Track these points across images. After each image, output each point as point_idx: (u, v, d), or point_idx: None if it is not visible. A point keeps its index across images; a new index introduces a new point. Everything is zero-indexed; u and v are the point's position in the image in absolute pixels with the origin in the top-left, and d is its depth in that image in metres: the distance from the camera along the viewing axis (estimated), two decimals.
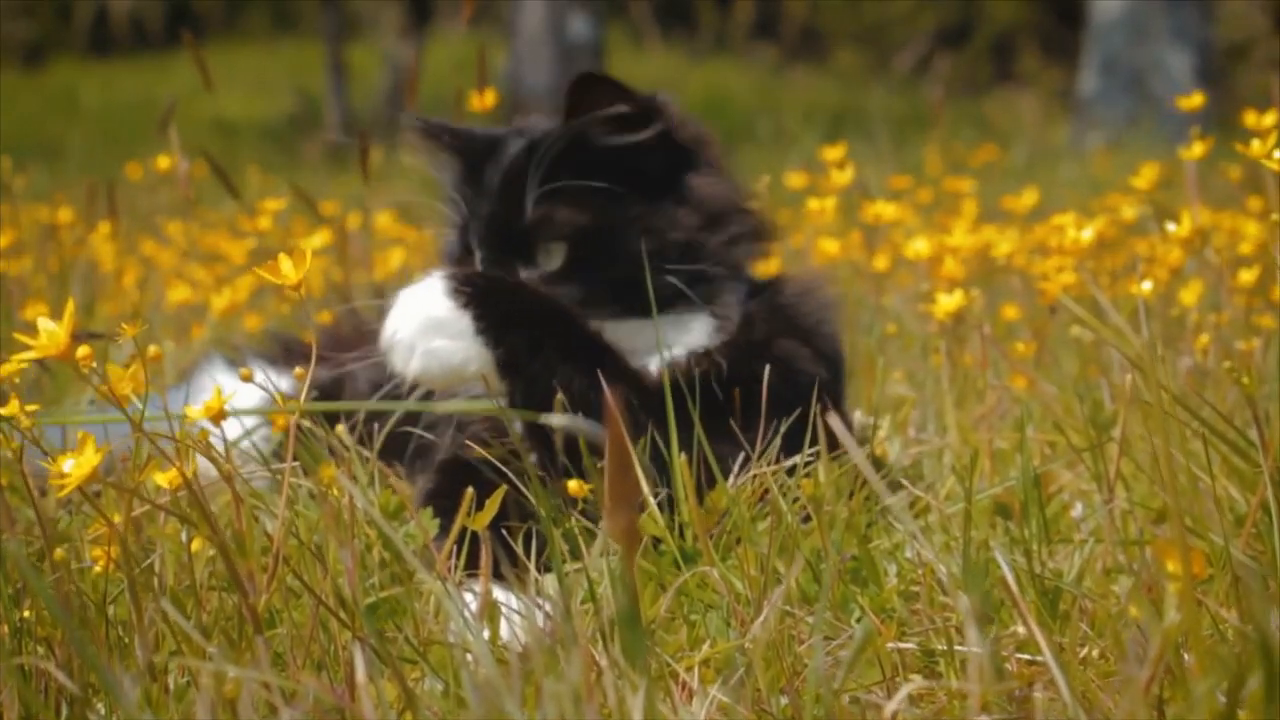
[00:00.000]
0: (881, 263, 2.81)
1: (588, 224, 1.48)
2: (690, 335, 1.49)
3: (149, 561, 1.28)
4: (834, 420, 1.03)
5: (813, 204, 2.24)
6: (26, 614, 1.20)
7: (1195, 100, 2.24)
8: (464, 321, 1.40)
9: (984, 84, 11.95)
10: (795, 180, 3.22)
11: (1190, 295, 2.04)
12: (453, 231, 1.57)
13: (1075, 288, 2.09)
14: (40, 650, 1.19)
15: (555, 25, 9.18)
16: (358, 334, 2.13)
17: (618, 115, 1.50)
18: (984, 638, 1.23)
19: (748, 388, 1.44)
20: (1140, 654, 0.90)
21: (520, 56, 9.17)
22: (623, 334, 1.47)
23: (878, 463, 1.51)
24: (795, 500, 1.35)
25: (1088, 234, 1.93)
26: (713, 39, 13.02)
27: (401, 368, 1.41)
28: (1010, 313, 2.42)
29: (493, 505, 1.21)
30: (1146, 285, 1.76)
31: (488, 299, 1.41)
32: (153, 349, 1.18)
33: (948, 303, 1.87)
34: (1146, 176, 2.10)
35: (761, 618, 1.19)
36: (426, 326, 1.40)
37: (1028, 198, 3.36)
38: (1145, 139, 7.53)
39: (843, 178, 2.29)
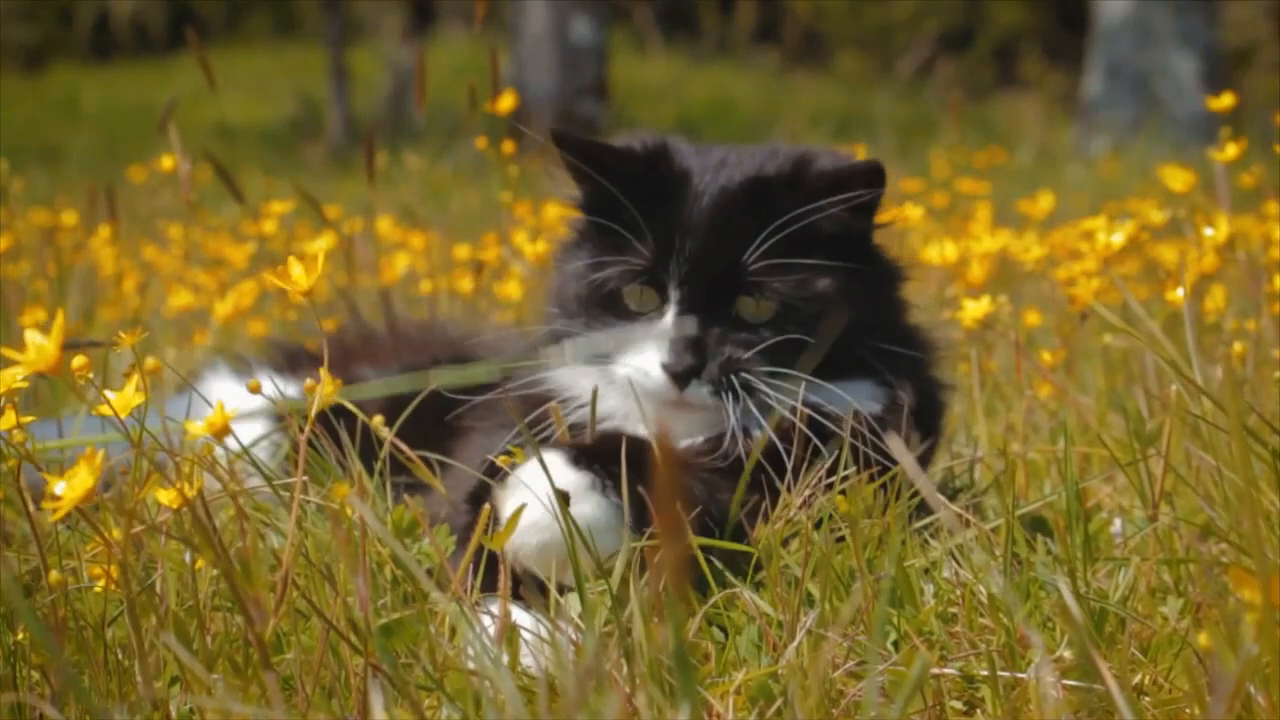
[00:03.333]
0: None
1: (806, 291, 1.46)
2: (857, 402, 1.46)
3: (150, 581, 1.21)
4: (892, 440, 0.96)
5: None
6: (20, 638, 1.14)
7: (1225, 101, 2.18)
8: (620, 518, 1.28)
9: (987, 88, 11.91)
10: None
11: (1215, 300, 1.97)
12: (618, 260, 1.49)
13: (1102, 293, 2.03)
14: (35, 676, 1.13)
15: (558, 29, 9.14)
16: (364, 341, 2.07)
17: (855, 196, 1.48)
18: (1030, 664, 1.17)
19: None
20: (1217, 688, 0.84)
21: (523, 60, 9.12)
22: (795, 400, 1.44)
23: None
24: (830, 517, 1.29)
25: (1119, 238, 1.86)
26: (715, 43, 12.97)
27: (549, 555, 1.26)
28: (1032, 319, 2.36)
29: (511, 526, 1.15)
30: (1180, 291, 1.69)
31: (632, 484, 1.30)
32: (151, 361, 1.12)
33: (975, 309, 1.81)
34: (1182, 179, 2.04)
35: (795, 642, 1.13)
36: (596, 536, 1.25)
37: (1043, 201, 3.30)
38: (1151, 143, 7.48)
39: None
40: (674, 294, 1.46)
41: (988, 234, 2.51)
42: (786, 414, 1.42)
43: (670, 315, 1.46)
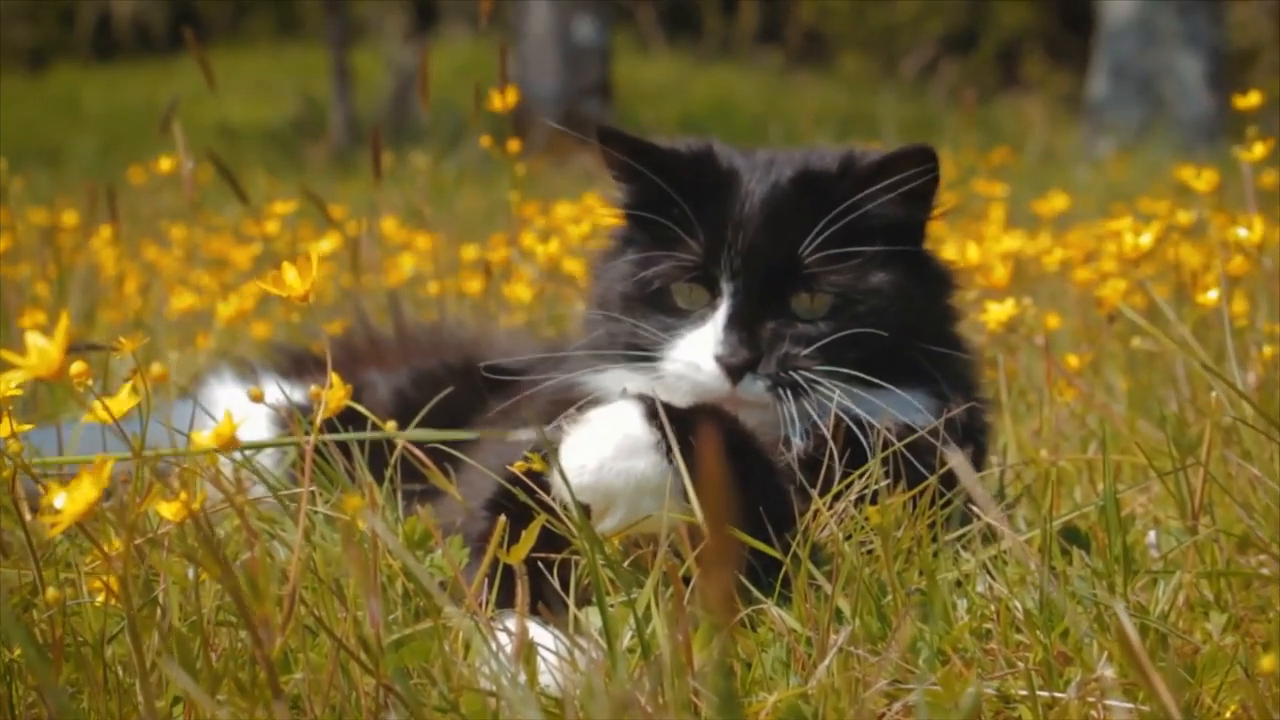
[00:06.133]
0: None
1: (863, 284, 1.41)
2: (906, 413, 1.40)
3: (153, 595, 1.17)
4: (953, 454, 0.92)
5: None
6: (17, 655, 1.10)
7: (1251, 100, 2.13)
8: (677, 481, 1.21)
9: (990, 89, 11.86)
10: None
11: (1238, 304, 1.93)
12: (667, 256, 1.44)
13: (1127, 295, 1.98)
14: (32, 697, 1.08)
15: (561, 29, 9.09)
16: (371, 344, 2.02)
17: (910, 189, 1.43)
18: (1070, 682, 1.12)
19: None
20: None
21: (526, 60, 9.08)
22: (851, 399, 1.38)
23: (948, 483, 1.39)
24: (861, 528, 1.24)
25: (1147, 239, 1.82)
26: (718, 44, 12.94)
27: (585, 498, 1.21)
28: (1053, 321, 2.31)
29: (529, 537, 1.10)
30: (1214, 294, 1.65)
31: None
32: (157, 367, 1.07)
33: (999, 312, 1.76)
34: (1206, 180, 1.99)
35: (826, 661, 1.08)
36: (639, 485, 1.20)
37: (1057, 202, 3.26)
38: (1157, 144, 7.43)
39: None
40: (726, 287, 1.41)
41: (1002, 235, 2.46)
42: (842, 419, 1.36)
43: (723, 308, 1.41)
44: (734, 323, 1.39)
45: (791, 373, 1.38)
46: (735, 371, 1.38)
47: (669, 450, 1.20)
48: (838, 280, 1.40)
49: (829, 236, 1.40)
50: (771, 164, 1.47)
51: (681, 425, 1.22)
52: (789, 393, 1.38)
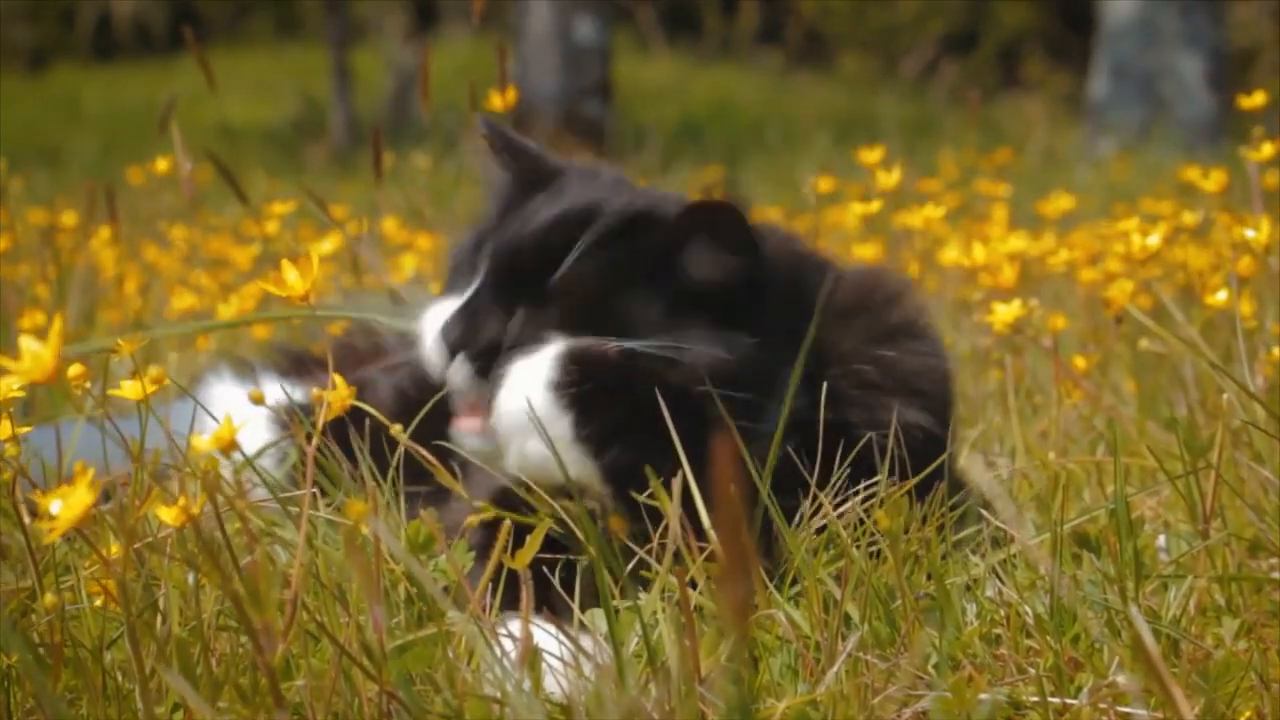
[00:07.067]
0: (913, 270, 2.70)
1: (606, 315, 1.25)
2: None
3: (153, 600, 1.15)
4: (969, 458, 0.90)
5: (857, 208, 2.12)
6: (15, 661, 1.08)
7: (1256, 99, 2.12)
8: (562, 424, 1.23)
9: (990, 89, 11.85)
10: (823, 184, 3.09)
11: (1244, 305, 1.91)
12: (471, 235, 1.41)
13: (1133, 296, 1.97)
14: (30, 704, 1.07)
15: (561, 29, 9.08)
16: (372, 345, 2.01)
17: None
18: (1081, 688, 1.11)
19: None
20: None
21: (526, 61, 9.06)
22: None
23: (956, 485, 1.37)
24: (866, 531, 1.23)
25: (1154, 240, 1.80)
26: (718, 44, 12.93)
27: (499, 433, 1.26)
28: (1059, 322, 2.30)
29: (534, 542, 1.09)
30: (1222, 295, 1.64)
31: (593, 397, 1.21)
32: (156, 369, 1.06)
33: (1005, 313, 1.75)
34: (1215, 180, 1.98)
35: (835, 667, 1.07)
36: (524, 424, 1.23)
37: (1061, 202, 3.25)
38: (1158, 144, 7.43)
39: (889, 180, 2.17)
40: (482, 268, 1.32)
41: (1005, 235, 2.45)
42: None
43: (472, 289, 1.31)
44: (468, 304, 1.29)
45: (500, 370, 1.26)
46: (449, 350, 1.28)
47: (569, 401, 1.21)
48: (583, 310, 1.26)
49: (597, 260, 1.27)
50: (609, 189, 1.35)
51: (610, 373, 1.22)
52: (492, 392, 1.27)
